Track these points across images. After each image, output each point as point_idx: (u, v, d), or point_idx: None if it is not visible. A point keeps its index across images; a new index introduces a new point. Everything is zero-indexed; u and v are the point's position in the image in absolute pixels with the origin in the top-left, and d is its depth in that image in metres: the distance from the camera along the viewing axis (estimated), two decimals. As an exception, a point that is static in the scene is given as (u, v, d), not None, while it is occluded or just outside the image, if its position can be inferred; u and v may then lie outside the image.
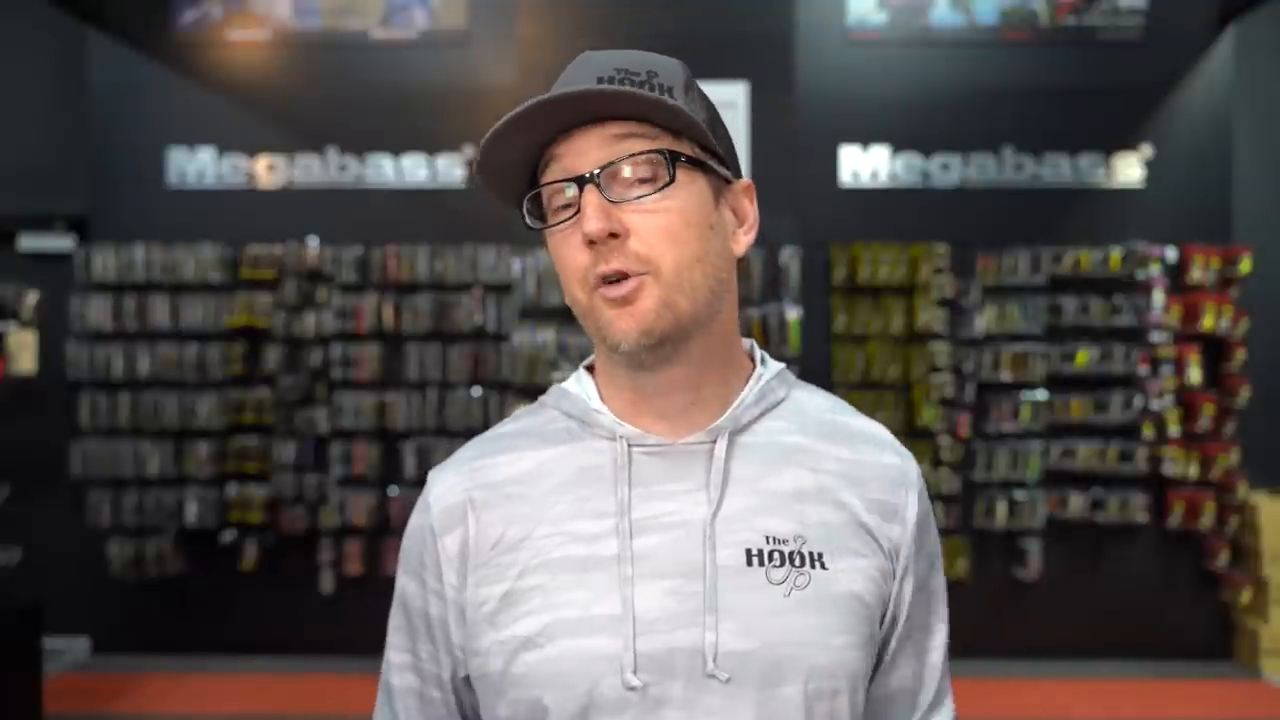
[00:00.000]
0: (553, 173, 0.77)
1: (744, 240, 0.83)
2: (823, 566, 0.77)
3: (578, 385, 0.86)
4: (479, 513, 0.80)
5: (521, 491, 0.80)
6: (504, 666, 0.76)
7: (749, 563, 0.76)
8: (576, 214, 0.75)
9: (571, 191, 0.76)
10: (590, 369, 0.88)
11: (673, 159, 0.75)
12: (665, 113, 0.74)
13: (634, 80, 0.76)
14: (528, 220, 0.80)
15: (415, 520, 0.85)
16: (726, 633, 0.74)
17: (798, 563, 0.76)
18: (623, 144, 0.75)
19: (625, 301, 0.75)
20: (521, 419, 0.87)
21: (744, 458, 0.80)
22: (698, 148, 0.78)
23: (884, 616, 0.81)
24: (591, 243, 0.74)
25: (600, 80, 0.76)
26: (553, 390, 0.88)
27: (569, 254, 0.77)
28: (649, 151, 0.74)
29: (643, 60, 0.78)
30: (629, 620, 0.74)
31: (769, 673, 0.74)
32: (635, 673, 0.73)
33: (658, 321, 0.75)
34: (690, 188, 0.76)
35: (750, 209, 0.84)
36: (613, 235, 0.74)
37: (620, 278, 0.74)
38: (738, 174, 0.83)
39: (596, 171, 0.74)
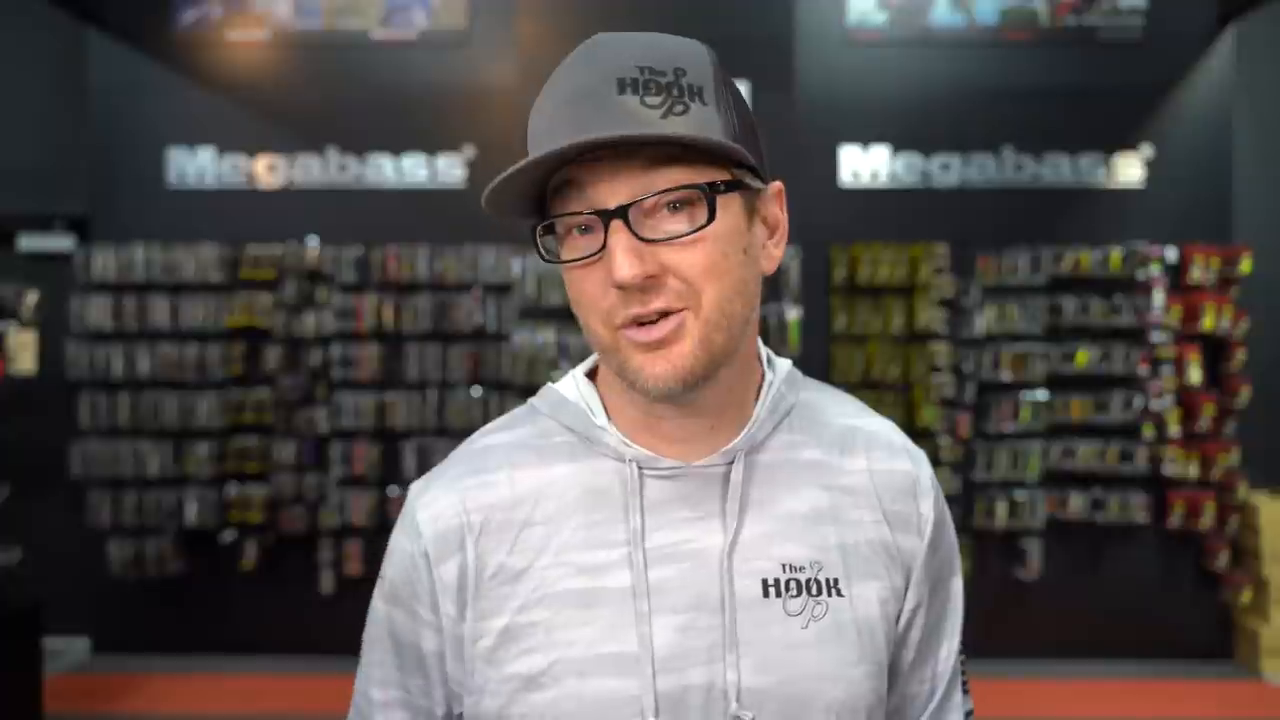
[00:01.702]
0: (572, 200, 0.69)
1: (775, 255, 0.76)
2: (839, 593, 0.75)
3: (577, 393, 0.79)
4: (476, 539, 0.75)
5: (522, 516, 0.75)
6: (503, 707, 0.72)
7: (765, 594, 0.73)
8: (602, 248, 0.67)
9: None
10: (590, 374, 0.82)
11: (712, 191, 0.67)
12: (707, 145, 0.66)
13: (660, 82, 0.67)
14: (542, 251, 0.72)
15: (402, 544, 0.78)
16: (745, 669, 0.71)
17: (815, 591, 0.74)
18: (655, 173, 0.66)
19: (661, 344, 0.68)
20: (515, 427, 0.81)
21: (760, 479, 0.76)
22: (734, 166, 0.70)
23: (896, 624, 0.79)
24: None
25: (622, 83, 0.66)
26: (547, 394, 0.81)
27: (592, 290, 0.69)
28: (687, 187, 0.67)
29: (667, 53, 0.69)
30: (648, 659, 0.70)
31: (788, 709, 0.72)
32: (656, 716, 0.69)
33: (695, 365, 0.69)
34: (727, 214, 0.69)
35: (781, 216, 0.77)
36: (648, 277, 0.67)
37: (658, 316, 0.68)
38: (767, 176, 0.76)
39: (626, 206, 0.66)
